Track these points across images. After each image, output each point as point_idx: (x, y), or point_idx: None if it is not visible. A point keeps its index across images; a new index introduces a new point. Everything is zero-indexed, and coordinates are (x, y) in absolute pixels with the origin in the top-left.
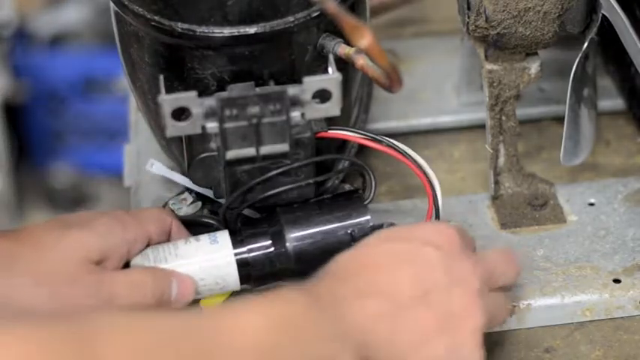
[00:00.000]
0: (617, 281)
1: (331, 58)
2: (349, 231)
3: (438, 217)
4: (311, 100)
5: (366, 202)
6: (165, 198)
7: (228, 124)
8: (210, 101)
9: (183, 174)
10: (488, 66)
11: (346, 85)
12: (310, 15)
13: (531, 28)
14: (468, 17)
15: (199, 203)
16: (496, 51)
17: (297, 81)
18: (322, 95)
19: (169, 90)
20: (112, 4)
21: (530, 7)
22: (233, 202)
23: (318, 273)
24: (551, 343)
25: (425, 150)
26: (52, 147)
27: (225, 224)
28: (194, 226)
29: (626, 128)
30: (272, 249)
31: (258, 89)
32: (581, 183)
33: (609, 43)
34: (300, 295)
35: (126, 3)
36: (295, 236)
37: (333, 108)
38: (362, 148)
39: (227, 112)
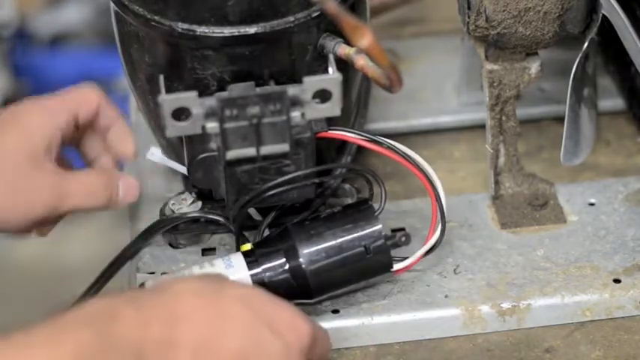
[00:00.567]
0: (617, 281)
1: (331, 58)
2: (363, 243)
3: (443, 218)
4: (311, 100)
5: (376, 213)
6: (165, 197)
7: (229, 124)
8: (211, 101)
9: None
10: (489, 66)
11: (346, 85)
12: (310, 15)
13: (531, 28)
14: (468, 17)
15: (199, 203)
16: (496, 51)
17: (298, 81)
18: (322, 95)
19: (169, 90)
20: (112, 4)
21: (530, 7)
22: (238, 203)
23: (136, 290)
24: (552, 343)
25: (425, 150)
26: None
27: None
28: (200, 223)
29: (626, 128)
30: (287, 267)
31: (258, 89)
32: (582, 183)
33: (609, 43)
34: (91, 335)
35: (126, 3)
36: (309, 252)
37: (333, 108)
38: (362, 148)
39: (227, 112)
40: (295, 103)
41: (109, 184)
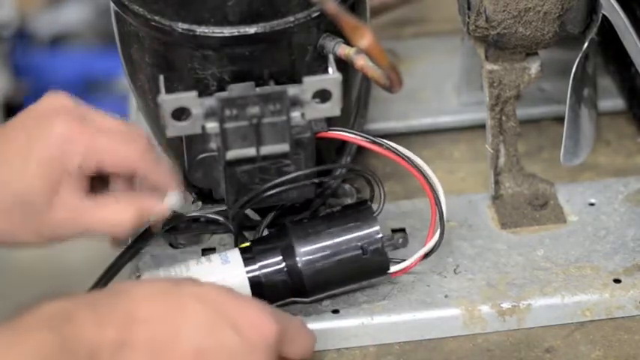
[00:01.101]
0: (617, 281)
1: (331, 58)
2: (360, 244)
3: (442, 220)
4: (311, 100)
5: (375, 214)
6: None
7: (229, 124)
8: (211, 101)
9: (184, 174)
10: (489, 66)
11: (346, 85)
12: (310, 15)
13: (531, 28)
14: (468, 17)
15: (199, 203)
16: (496, 51)
17: (298, 81)
18: (322, 95)
19: (169, 90)
20: (112, 4)
21: (530, 7)
22: (238, 203)
23: (96, 292)
24: (552, 343)
25: (425, 150)
26: None
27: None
28: (200, 222)
29: (626, 128)
30: (283, 264)
31: (258, 89)
32: (582, 183)
33: (609, 43)
34: (51, 335)
35: (126, 3)
36: (305, 250)
37: (333, 108)
38: (362, 148)
39: (227, 112)
40: (295, 103)
41: (137, 214)
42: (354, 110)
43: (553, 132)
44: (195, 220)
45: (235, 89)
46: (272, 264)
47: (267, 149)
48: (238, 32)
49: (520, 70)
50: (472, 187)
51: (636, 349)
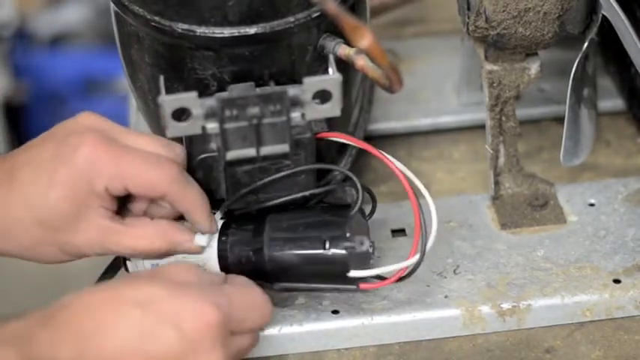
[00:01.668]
0: (617, 281)
1: (331, 58)
2: (324, 238)
3: (425, 237)
4: (311, 100)
5: (351, 213)
6: None
7: (229, 125)
8: (211, 102)
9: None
10: (489, 66)
11: (346, 86)
12: (310, 15)
13: (531, 29)
14: (468, 17)
15: None
16: (496, 51)
17: (298, 81)
18: (322, 96)
19: (169, 90)
20: (112, 5)
21: (530, 8)
22: (234, 202)
23: (50, 308)
24: (552, 344)
25: (425, 150)
26: None
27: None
28: None
29: (626, 128)
30: (249, 247)
31: (258, 90)
32: (582, 183)
33: (609, 44)
34: (15, 354)
35: (126, 3)
36: (272, 234)
37: (333, 108)
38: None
39: (227, 113)
40: (295, 103)
41: (166, 247)
42: (359, 106)
43: (553, 132)
44: None
45: (235, 90)
46: (242, 241)
47: (267, 150)
48: (238, 32)
49: (520, 70)
50: (472, 187)
51: (636, 349)
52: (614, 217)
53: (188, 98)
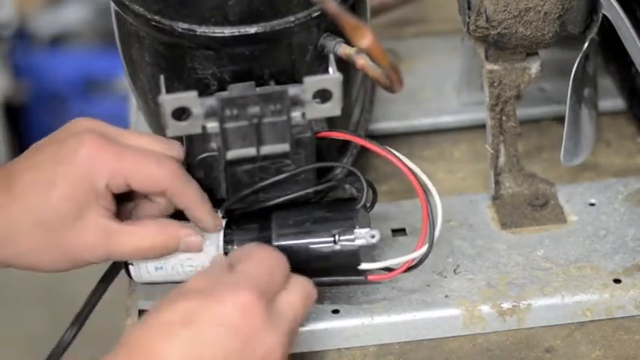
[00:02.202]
0: (617, 281)
1: (332, 58)
2: (333, 232)
3: (433, 229)
4: (311, 100)
5: (358, 206)
6: None
7: (229, 124)
8: (211, 101)
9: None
10: (489, 66)
11: (347, 85)
12: (311, 15)
13: (532, 28)
14: (469, 17)
15: None
16: (496, 51)
17: (298, 81)
18: (323, 95)
19: (170, 90)
20: (112, 4)
21: (530, 7)
22: (235, 201)
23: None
24: (552, 343)
25: (425, 150)
26: None
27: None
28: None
29: (626, 128)
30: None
31: (258, 89)
32: (582, 183)
33: (609, 43)
34: None
35: (126, 3)
36: (280, 230)
37: (333, 108)
38: (364, 148)
39: (227, 112)
40: (296, 103)
41: (167, 234)
42: (360, 106)
43: (553, 132)
44: None
45: (236, 89)
46: (247, 239)
47: (267, 149)
48: (239, 32)
49: (520, 70)
50: (472, 187)
51: (636, 349)
52: (614, 217)
53: (188, 97)
